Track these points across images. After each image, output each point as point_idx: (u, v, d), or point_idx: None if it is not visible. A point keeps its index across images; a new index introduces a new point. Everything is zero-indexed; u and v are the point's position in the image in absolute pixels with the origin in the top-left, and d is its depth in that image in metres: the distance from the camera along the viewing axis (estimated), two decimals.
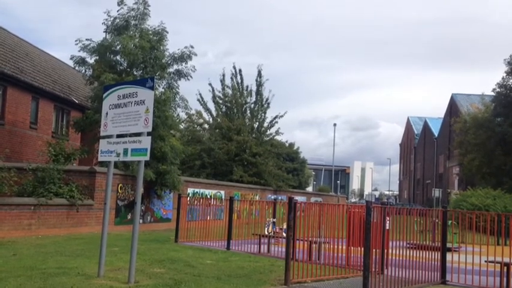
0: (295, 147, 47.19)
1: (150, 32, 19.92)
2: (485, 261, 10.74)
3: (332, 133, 69.15)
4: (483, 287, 9.98)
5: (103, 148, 9.40)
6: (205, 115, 34.28)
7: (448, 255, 10.98)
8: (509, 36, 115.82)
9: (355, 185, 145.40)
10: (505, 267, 10.43)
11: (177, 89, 20.66)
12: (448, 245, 12.67)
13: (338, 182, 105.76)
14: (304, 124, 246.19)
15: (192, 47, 20.50)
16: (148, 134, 8.71)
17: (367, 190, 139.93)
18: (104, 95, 9.61)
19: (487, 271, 10.36)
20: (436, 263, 10.62)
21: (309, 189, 61.44)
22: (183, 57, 20.40)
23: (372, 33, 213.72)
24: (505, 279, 10.34)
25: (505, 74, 38.20)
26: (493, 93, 39.33)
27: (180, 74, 20.62)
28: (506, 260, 10.53)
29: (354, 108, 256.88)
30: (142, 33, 19.69)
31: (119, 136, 9.19)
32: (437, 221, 11.80)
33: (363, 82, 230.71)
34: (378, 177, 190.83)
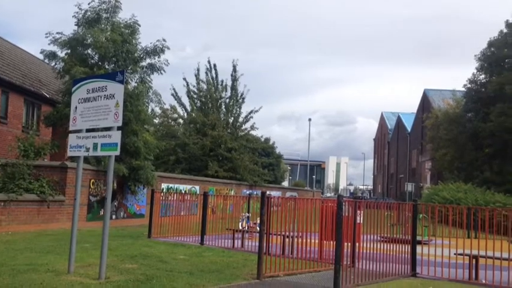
0: (271, 142, 47.30)
1: (122, 25, 19.66)
2: (455, 254, 10.94)
3: (308, 128, 69.40)
4: (452, 280, 10.15)
5: (72, 143, 9.24)
6: (179, 110, 34.12)
7: (419, 248, 11.14)
8: (482, 32, 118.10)
9: (330, 179, 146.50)
10: (474, 260, 10.63)
11: (150, 83, 20.44)
12: (419, 238, 12.89)
13: (313, 176, 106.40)
14: (282, 119, 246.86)
15: (164, 40, 20.32)
16: (119, 128, 8.59)
17: (342, 185, 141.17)
18: (73, 89, 9.46)
19: (456, 264, 10.54)
20: (406, 256, 10.77)
21: (285, 184, 61.67)
22: (156, 51, 20.19)
23: (350, 30, 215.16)
24: (473, 271, 10.55)
25: (475, 70, 38.90)
26: (464, 89, 40.01)
27: (152, 68, 20.39)
28: (475, 252, 10.74)
29: (332, 104, 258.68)
30: (113, 26, 19.42)
31: (88, 131, 9.06)
32: (409, 214, 11.95)
33: (342, 78, 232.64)
34: (353, 171, 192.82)
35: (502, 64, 37.19)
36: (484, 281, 10.15)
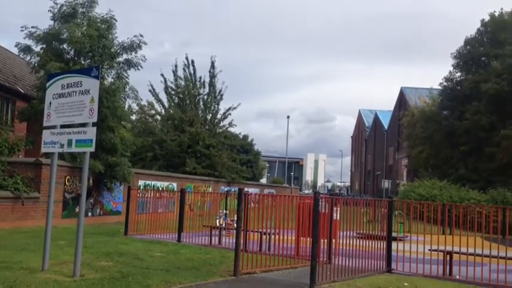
0: (250, 139, 47.30)
1: (98, 20, 19.38)
2: (429, 250, 11.09)
3: (288, 125, 69.73)
4: (427, 275, 10.29)
5: (46, 139, 9.10)
6: (157, 106, 33.81)
7: (394, 245, 11.26)
8: (459, 31, 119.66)
9: (308, 176, 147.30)
10: (448, 256, 10.79)
11: (127, 79, 20.20)
12: (395, 234, 13.03)
13: (292, 173, 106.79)
14: (261, 116, 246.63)
15: (141, 35, 20.08)
16: (94, 124, 8.49)
17: (320, 182, 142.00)
18: (48, 84, 9.31)
19: (430, 260, 10.69)
20: (382, 252, 10.88)
21: (263, 181, 61.76)
22: (133, 47, 19.96)
23: (329, 26, 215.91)
24: (447, 267, 10.71)
25: (452, 68, 39.48)
26: (440, 87, 40.56)
27: (129, 64, 20.15)
28: (449, 248, 10.91)
29: (311, 101, 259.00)
30: (90, 21, 19.14)
31: (63, 126, 8.93)
32: (385, 211, 12.06)
33: (321, 75, 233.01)
34: (331, 169, 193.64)
35: (477, 62, 37.85)
36: (458, 277, 10.31)
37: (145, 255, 11.08)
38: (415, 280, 9.68)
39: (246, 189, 33.43)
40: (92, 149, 8.41)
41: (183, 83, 33.45)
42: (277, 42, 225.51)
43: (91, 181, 19.47)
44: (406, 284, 9.17)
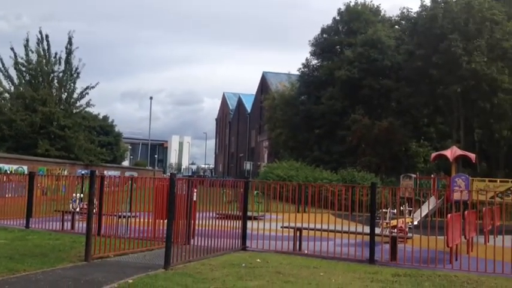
0: (110, 120, 45.69)
1: None
2: (281, 227, 11.63)
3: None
4: (278, 251, 10.78)
5: None
6: (5, 83, 30.92)
7: (250, 224, 11.61)
8: (318, 19, 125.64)
9: (173, 159, 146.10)
10: (298, 232, 11.40)
11: None
12: (255, 214, 13.46)
13: (156, 156, 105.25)
14: (126, 96, 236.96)
15: None
16: None
17: (185, 164, 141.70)
18: None
19: (282, 236, 11.21)
20: (238, 231, 11.16)
21: (125, 163, 60.14)
22: None
23: (196, 8, 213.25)
24: (297, 242, 11.32)
25: (309, 55, 41.47)
26: (298, 73, 42.45)
27: None
28: (299, 225, 11.52)
29: (180, 83, 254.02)
30: None
31: None
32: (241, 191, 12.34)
33: (189, 56, 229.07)
34: (197, 151, 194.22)
35: (332, 50, 40.17)
36: (306, 251, 10.94)
37: None
38: (267, 256, 10.08)
39: (105, 172, 32.42)
40: None
41: (35, 59, 30.99)
42: (147, 22, 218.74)
43: None
44: (258, 260, 9.50)
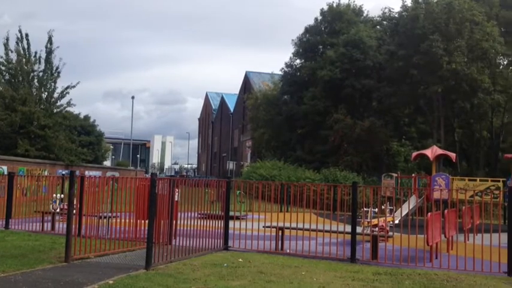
0: (92, 120, 45.25)
1: None
2: (263, 227, 11.63)
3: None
4: (260, 250, 10.79)
5: None
6: None
7: (232, 224, 11.59)
8: (301, 19, 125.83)
9: (155, 159, 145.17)
10: (280, 231, 11.41)
11: None
12: (237, 214, 13.44)
13: (138, 156, 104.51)
14: (108, 96, 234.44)
15: None
16: None
17: (168, 164, 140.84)
18: None
19: (264, 236, 11.22)
20: (220, 231, 11.13)
21: (107, 163, 59.59)
22: None
23: (178, 7, 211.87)
24: (280, 242, 11.33)
25: (292, 55, 41.51)
26: (281, 73, 42.49)
27: None
28: (281, 224, 11.53)
29: (163, 82, 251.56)
30: None
31: None
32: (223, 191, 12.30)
33: (173, 56, 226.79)
34: (180, 151, 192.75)
35: (315, 50, 40.27)
36: (288, 251, 10.96)
37: None
38: (249, 256, 10.08)
39: (86, 172, 32.10)
40: None
41: (15, 58, 30.58)
42: (130, 21, 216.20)
43: None
44: (240, 260, 9.50)
